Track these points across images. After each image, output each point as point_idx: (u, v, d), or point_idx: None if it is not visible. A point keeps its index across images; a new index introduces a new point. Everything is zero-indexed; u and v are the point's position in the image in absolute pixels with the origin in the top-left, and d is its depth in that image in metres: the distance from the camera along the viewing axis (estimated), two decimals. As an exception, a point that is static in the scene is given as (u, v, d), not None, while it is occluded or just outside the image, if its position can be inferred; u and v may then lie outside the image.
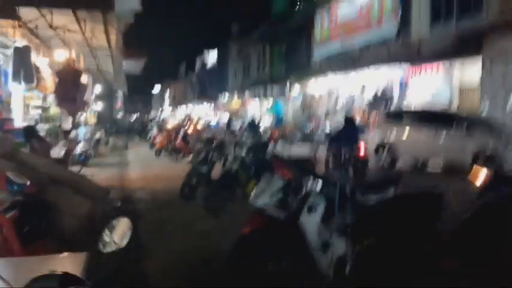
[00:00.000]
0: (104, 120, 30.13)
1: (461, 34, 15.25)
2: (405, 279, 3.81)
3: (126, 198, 8.78)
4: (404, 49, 18.46)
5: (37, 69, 10.33)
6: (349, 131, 9.95)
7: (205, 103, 50.48)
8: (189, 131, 15.64)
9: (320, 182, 3.79)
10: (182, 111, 60.99)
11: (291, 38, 29.07)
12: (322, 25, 24.56)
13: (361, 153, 9.66)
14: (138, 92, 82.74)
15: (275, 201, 4.02)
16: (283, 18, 29.08)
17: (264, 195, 4.07)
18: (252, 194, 4.20)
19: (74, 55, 10.14)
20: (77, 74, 9.23)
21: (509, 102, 13.09)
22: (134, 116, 58.26)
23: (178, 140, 13.89)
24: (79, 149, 14.10)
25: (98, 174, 12.55)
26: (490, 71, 13.98)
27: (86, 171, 12.83)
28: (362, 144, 9.86)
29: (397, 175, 4.27)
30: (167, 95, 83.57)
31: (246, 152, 6.69)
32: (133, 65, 35.11)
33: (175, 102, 72.86)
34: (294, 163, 4.20)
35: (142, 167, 13.96)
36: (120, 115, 41.12)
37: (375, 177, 4.41)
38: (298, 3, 28.37)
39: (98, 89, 21.58)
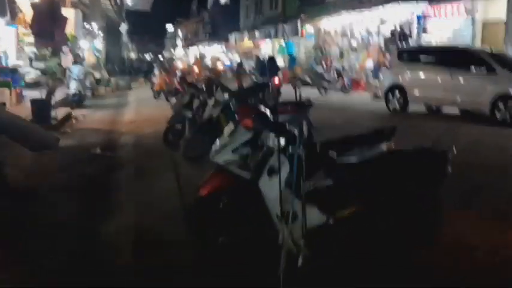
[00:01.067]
0: (109, 59, 29.24)
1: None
2: (392, 259, 3.07)
3: (109, 144, 8.12)
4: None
5: (12, 1, 9.41)
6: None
7: (216, 43, 48.94)
8: (191, 73, 14.70)
9: (283, 136, 2.96)
10: (194, 51, 59.66)
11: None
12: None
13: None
14: (149, 31, 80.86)
15: (238, 158, 3.23)
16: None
17: (225, 150, 3.28)
18: (213, 147, 3.42)
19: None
20: (55, 6, 8.28)
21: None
22: (147, 56, 57.18)
23: (176, 82, 12.99)
24: (72, 88, 13.42)
25: (90, 116, 11.96)
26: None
27: (79, 113, 12.26)
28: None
29: (389, 129, 3.40)
30: (179, 34, 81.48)
31: (229, 95, 5.83)
32: (141, 1, 33.83)
33: (187, 42, 71.11)
34: (257, 111, 3.35)
35: (138, 109, 13.23)
36: (128, 54, 39.94)
37: (361, 132, 3.49)
38: None
39: (95, 26, 20.48)
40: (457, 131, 8.36)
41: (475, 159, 6.34)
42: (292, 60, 27.32)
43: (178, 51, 75.88)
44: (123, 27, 27.22)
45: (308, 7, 25.94)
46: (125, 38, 28.71)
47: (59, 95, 12.96)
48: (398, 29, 17.33)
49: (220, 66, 25.66)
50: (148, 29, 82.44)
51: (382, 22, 18.89)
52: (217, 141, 3.45)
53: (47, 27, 7.93)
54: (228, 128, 3.45)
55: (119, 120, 11.20)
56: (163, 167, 6.21)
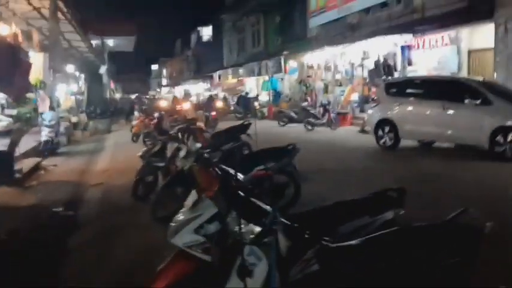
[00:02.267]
0: (91, 101, 28.54)
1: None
2: None
3: (73, 200, 7.28)
4: (406, 14, 16.63)
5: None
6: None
7: (201, 81, 48.77)
8: (169, 115, 13.97)
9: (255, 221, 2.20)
10: (179, 89, 59.43)
11: (285, 6, 27.09)
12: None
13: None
14: (134, 70, 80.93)
15: (203, 240, 2.45)
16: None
17: (186, 228, 2.50)
18: (170, 225, 2.64)
19: (15, 29, 8.50)
20: (13, 50, 7.59)
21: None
22: (133, 97, 56.67)
23: (152, 125, 12.23)
24: (43, 136, 12.62)
25: (61, 165, 11.11)
26: (504, 34, 12.23)
27: (50, 162, 11.41)
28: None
29: (396, 192, 2.65)
30: (164, 73, 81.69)
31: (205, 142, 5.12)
32: (124, 42, 33.79)
33: (173, 81, 71.09)
34: (222, 179, 2.60)
35: (113, 155, 12.41)
36: (112, 95, 39.28)
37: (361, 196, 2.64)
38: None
39: (71, 68, 19.84)
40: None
41: None
42: (277, 95, 27.00)
43: (164, 90, 75.82)
44: (103, 69, 26.61)
45: (290, 43, 25.77)
46: (105, 79, 27.92)
47: (29, 143, 12.18)
48: (382, 61, 16.97)
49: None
50: (132, 69, 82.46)
51: (366, 55, 18.56)
52: (177, 216, 2.68)
53: (3, 73, 7.21)
54: (191, 198, 2.69)
55: (90, 169, 10.37)
56: (128, 231, 5.40)
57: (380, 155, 10.64)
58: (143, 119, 14.54)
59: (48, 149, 12.55)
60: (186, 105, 21.05)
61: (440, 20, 14.36)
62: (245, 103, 25.86)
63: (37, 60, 11.51)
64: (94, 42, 32.03)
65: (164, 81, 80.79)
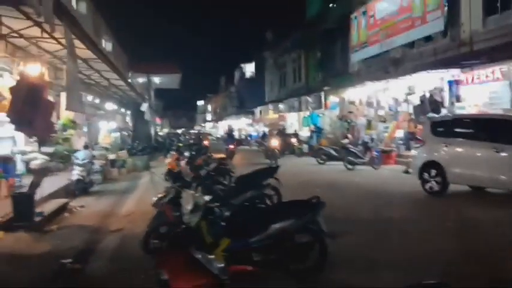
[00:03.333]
0: (136, 137, 28.86)
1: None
2: None
3: (86, 250, 6.83)
4: (453, 48, 15.72)
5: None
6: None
7: (244, 116, 49.07)
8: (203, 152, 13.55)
9: None
10: (223, 124, 59.99)
11: (326, 42, 26.72)
12: (358, 26, 21.99)
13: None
14: (180, 106, 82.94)
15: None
16: (317, 20, 26.79)
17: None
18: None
19: (42, 68, 8.42)
20: (36, 90, 7.41)
21: None
22: (180, 131, 57.68)
23: (182, 164, 11.80)
24: (75, 175, 12.47)
25: (89, 207, 10.83)
26: None
27: (79, 202, 11.16)
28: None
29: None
30: (209, 108, 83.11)
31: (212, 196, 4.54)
32: (169, 80, 34.89)
33: (217, 116, 72.09)
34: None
35: (142, 195, 12.04)
36: (156, 131, 39.86)
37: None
38: (332, 2, 25.91)
39: (110, 106, 20.07)
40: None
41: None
42: (318, 132, 26.20)
43: (208, 125, 77.00)
44: (144, 106, 27.04)
45: (331, 78, 25.22)
46: (148, 115, 28.31)
47: (62, 182, 12.06)
48: (428, 96, 15.99)
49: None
50: (179, 105, 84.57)
51: (411, 90, 17.64)
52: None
53: (25, 115, 7.02)
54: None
55: (115, 212, 9.99)
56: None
57: (425, 201, 9.68)
58: (177, 157, 14.20)
59: (80, 188, 12.35)
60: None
61: (489, 54, 13.38)
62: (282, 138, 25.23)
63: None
64: (141, 80, 33.17)
65: (209, 117, 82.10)
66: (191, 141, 30.59)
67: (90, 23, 19.23)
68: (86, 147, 13.75)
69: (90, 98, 18.92)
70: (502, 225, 7.22)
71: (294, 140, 25.20)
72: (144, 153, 23.69)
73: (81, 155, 12.83)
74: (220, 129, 59.81)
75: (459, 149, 9.78)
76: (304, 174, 15.52)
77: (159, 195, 6.09)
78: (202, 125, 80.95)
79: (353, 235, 6.67)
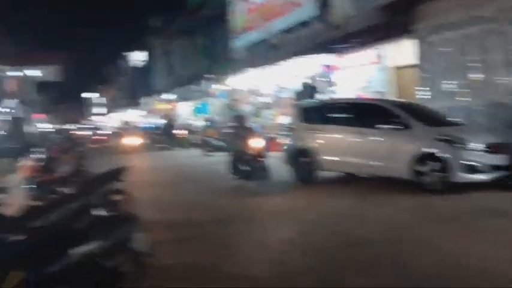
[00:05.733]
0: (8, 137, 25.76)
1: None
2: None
3: None
4: (328, 32, 15.72)
5: None
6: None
7: (134, 108, 46.68)
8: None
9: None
10: (113, 117, 56.93)
11: (209, 28, 25.91)
12: (238, 11, 21.41)
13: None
14: (66, 100, 77.17)
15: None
16: (198, 6, 25.82)
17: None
18: None
19: None
20: None
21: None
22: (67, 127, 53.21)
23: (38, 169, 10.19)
24: None
25: None
26: (427, 49, 11.41)
27: None
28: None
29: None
30: (98, 101, 78.66)
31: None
32: (53, 72, 32.21)
33: (107, 109, 68.46)
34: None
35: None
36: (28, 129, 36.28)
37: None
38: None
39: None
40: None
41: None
42: (211, 121, 25.30)
43: (98, 118, 72.83)
44: (11, 103, 24.31)
45: (217, 66, 24.53)
46: (20, 112, 25.52)
47: None
48: (308, 81, 15.91)
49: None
50: (67, 98, 78.61)
51: (293, 76, 17.48)
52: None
53: None
54: None
55: None
56: None
57: (296, 191, 9.30)
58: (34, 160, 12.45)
59: None
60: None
61: (361, 37, 13.47)
62: (168, 130, 24.13)
63: None
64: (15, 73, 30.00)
65: (100, 109, 77.63)
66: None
67: None
68: None
69: None
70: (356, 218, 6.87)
71: (182, 132, 24.16)
72: (12, 155, 21.10)
73: None
74: (113, 121, 56.50)
75: (329, 135, 9.52)
76: (179, 169, 14.66)
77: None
78: (89, 119, 76.18)
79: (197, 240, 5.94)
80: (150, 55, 42.22)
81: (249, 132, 9.90)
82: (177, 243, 5.86)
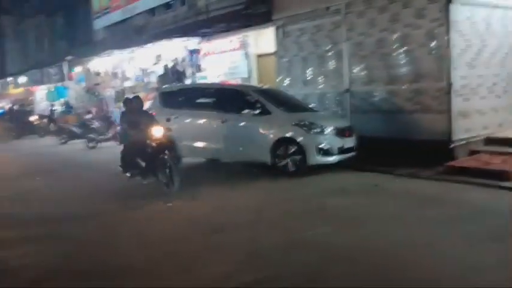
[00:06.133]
0: None
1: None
2: None
3: None
4: (191, 16, 15.48)
5: None
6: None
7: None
8: None
9: None
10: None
11: (68, 7, 23.87)
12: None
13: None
14: None
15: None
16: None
17: None
18: None
19: None
20: None
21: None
22: None
23: None
24: None
25: None
26: (283, 38, 11.79)
27: None
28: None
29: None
30: None
31: None
32: None
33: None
34: None
35: None
36: None
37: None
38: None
39: None
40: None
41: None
42: (68, 107, 23.32)
43: None
44: None
45: (76, 47, 22.73)
46: None
47: None
48: (171, 65, 15.52)
49: None
50: None
51: (157, 59, 16.91)
52: None
53: None
54: None
55: None
56: None
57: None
58: None
59: None
60: None
61: (223, 23, 13.50)
62: (18, 117, 21.84)
63: None
64: None
65: None
66: None
67: None
68: None
69: None
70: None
71: (34, 118, 22.01)
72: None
73: None
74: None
75: (188, 121, 9.36)
76: (31, 160, 13.33)
77: None
78: None
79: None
80: (0, 35, 37.51)
81: (146, 118, 8.00)
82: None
